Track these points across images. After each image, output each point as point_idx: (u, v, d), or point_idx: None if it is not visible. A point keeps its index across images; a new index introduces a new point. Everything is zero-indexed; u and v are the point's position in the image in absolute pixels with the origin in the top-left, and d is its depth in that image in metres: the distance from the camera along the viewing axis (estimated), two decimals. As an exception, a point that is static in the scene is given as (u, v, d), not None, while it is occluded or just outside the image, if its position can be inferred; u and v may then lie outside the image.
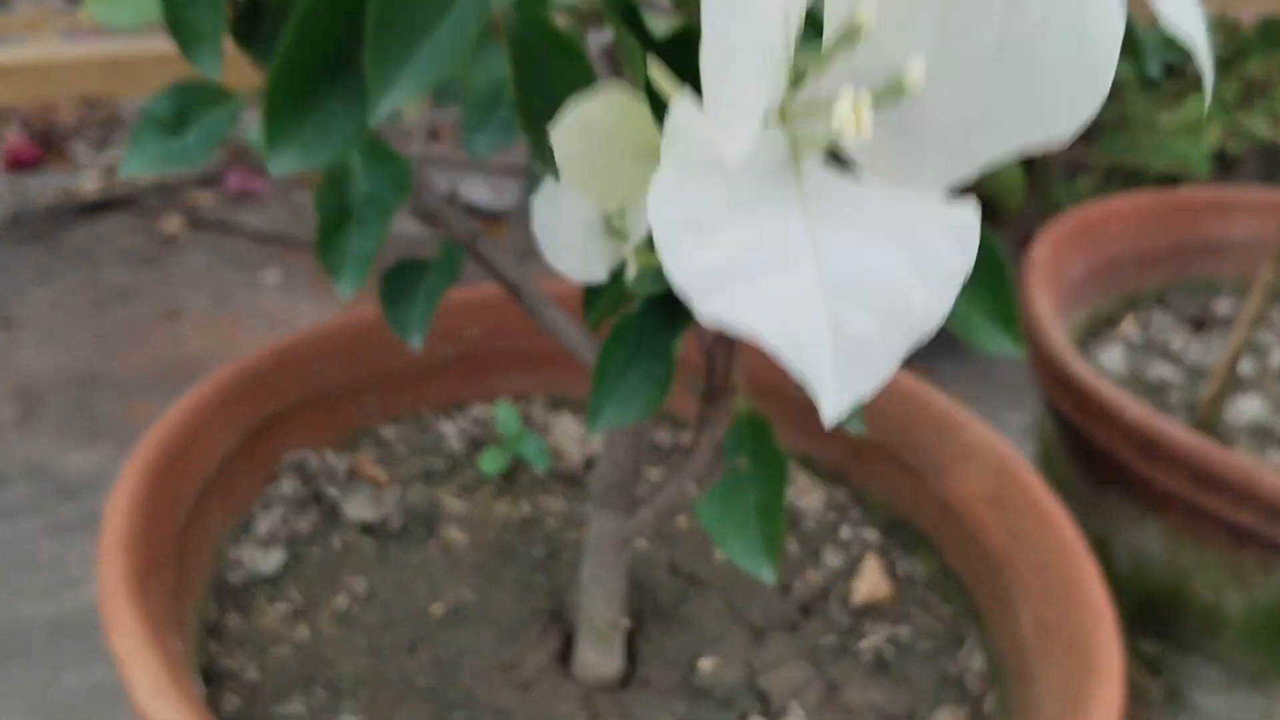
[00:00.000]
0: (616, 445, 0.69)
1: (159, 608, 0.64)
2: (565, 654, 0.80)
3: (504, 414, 0.91)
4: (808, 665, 0.75)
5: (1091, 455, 0.95)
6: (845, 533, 0.88)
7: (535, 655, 0.79)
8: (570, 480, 0.91)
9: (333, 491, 0.83)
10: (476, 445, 0.92)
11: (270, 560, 0.78)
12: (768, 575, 0.58)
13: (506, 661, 0.77)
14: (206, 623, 0.72)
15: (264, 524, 0.80)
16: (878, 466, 0.88)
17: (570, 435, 0.92)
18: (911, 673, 0.76)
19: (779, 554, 0.58)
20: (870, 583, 0.81)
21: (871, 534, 0.88)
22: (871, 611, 0.81)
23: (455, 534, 0.83)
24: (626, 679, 0.79)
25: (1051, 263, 1.05)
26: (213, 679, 0.69)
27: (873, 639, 0.78)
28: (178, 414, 0.75)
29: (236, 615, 0.74)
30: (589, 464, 0.92)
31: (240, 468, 0.80)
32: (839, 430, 0.86)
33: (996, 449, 0.81)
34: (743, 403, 0.62)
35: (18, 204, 1.83)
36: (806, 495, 0.91)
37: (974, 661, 0.76)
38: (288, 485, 0.83)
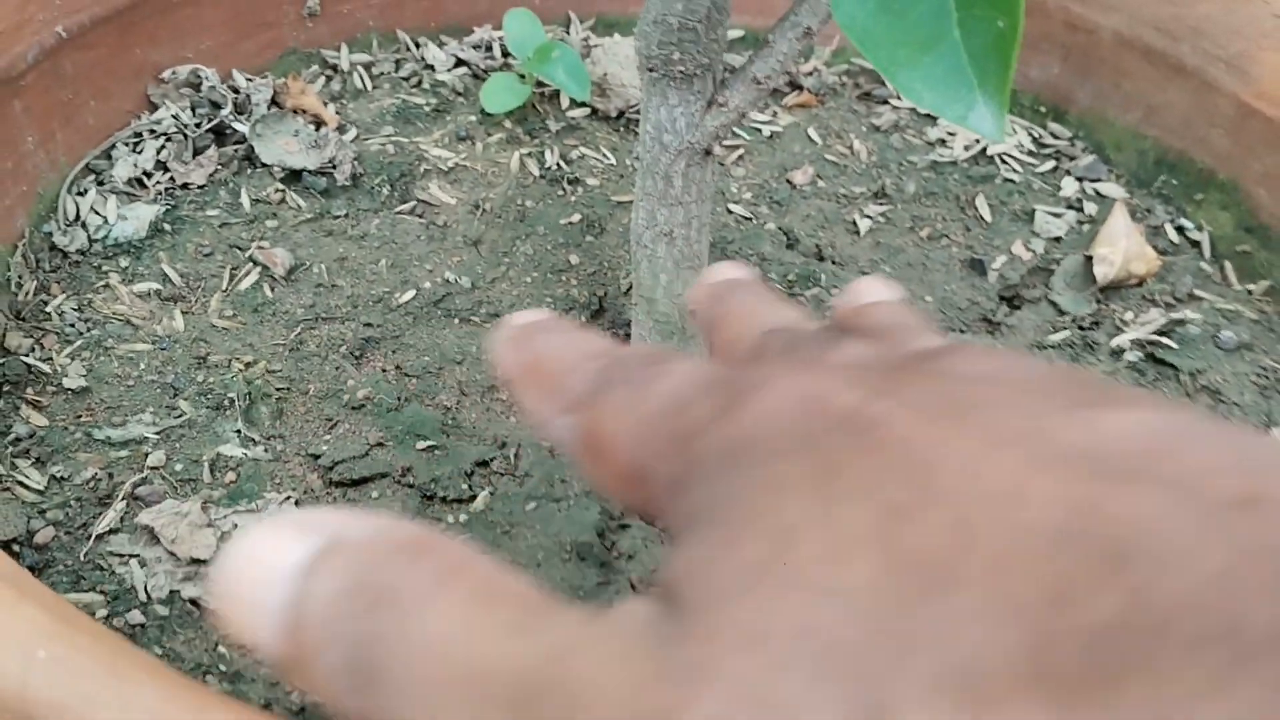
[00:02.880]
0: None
1: None
2: (615, 367, 0.51)
3: (519, 24, 0.60)
4: (1027, 370, 0.45)
5: None
6: (1069, 187, 0.57)
7: (565, 365, 0.49)
8: (623, 124, 0.61)
9: (242, 126, 0.54)
10: (480, 80, 0.62)
11: (134, 219, 0.49)
12: (985, 123, 0.29)
13: (517, 374, 0.47)
14: (13, 304, 0.44)
15: (127, 166, 0.51)
16: (1123, 78, 0.56)
17: (624, 60, 0.62)
18: (1217, 375, 0.46)
19: (1008, 81, 0.29)
20: (1124, 250, 0.50)
21: (1114, 186, 0.57)
22: (1126, 293, 0.50)
23: (441, 193, 0.54)
24: (716, 401, 0.49)
25: None
26: (8, 386, 0.41)
27: (1137, 331, 0.47)
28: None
29: (65, 295, 0.46)
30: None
31: (85, 76, 0.51)
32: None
33: (1348, 14, 0.49)
34: None
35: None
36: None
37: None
38: (171, 113, 0.53)
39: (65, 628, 0.23)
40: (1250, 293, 0.51)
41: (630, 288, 0.47)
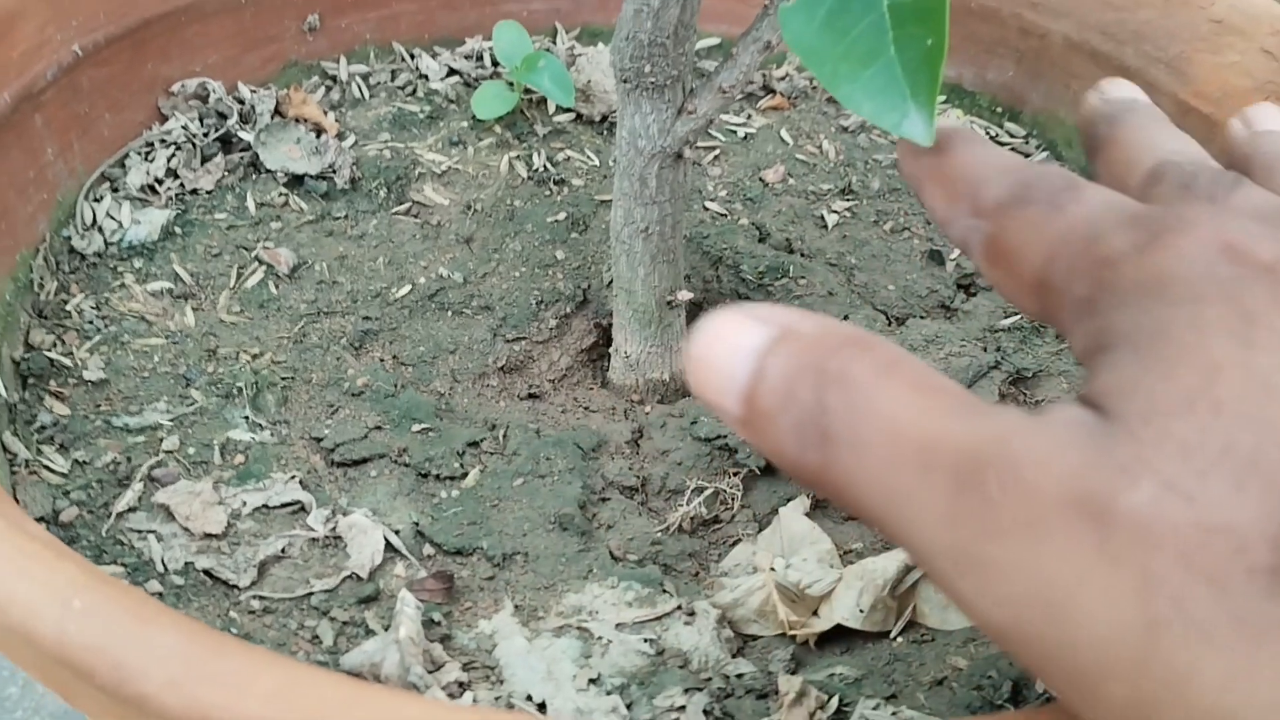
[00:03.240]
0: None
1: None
2: (597, 355, 0.54)
3: (507, 35, 0.63)
4: (979, 351, 0.48)
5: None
6: (1021, 181, 0.59)
7: (550, 354, 0.52)
8: (606, 127, 0.63)
9: (247, 134, 0.56)
10: (471, 88, 0.65)
11: (146, 223, 0.52)
12: (917, 130, 0.31)
13: (506, 362, 0.50)
14: (35, 304, 0.46)
15: (140, 174, 0.54)
16: (1073, 79, 0.59)
17: (607, 68, 0.64)
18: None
19: (935, 92, 0.31)
20: (1069, 239, 0.53)
21: (1063, 180, 0.59)
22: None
23: (435, 195, 0.56)
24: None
25: None
26: (32, 379, 0.43)
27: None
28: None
29: (84, 295, 0.48)
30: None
31: (100, 91, 0.53)
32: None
33: (1270, 15, 0.52)
34: None
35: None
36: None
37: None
38: (181, 124, 0.56)
39: (97, 582, 0.26)
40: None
41: (612, 280, 0.50)
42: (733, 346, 0.22)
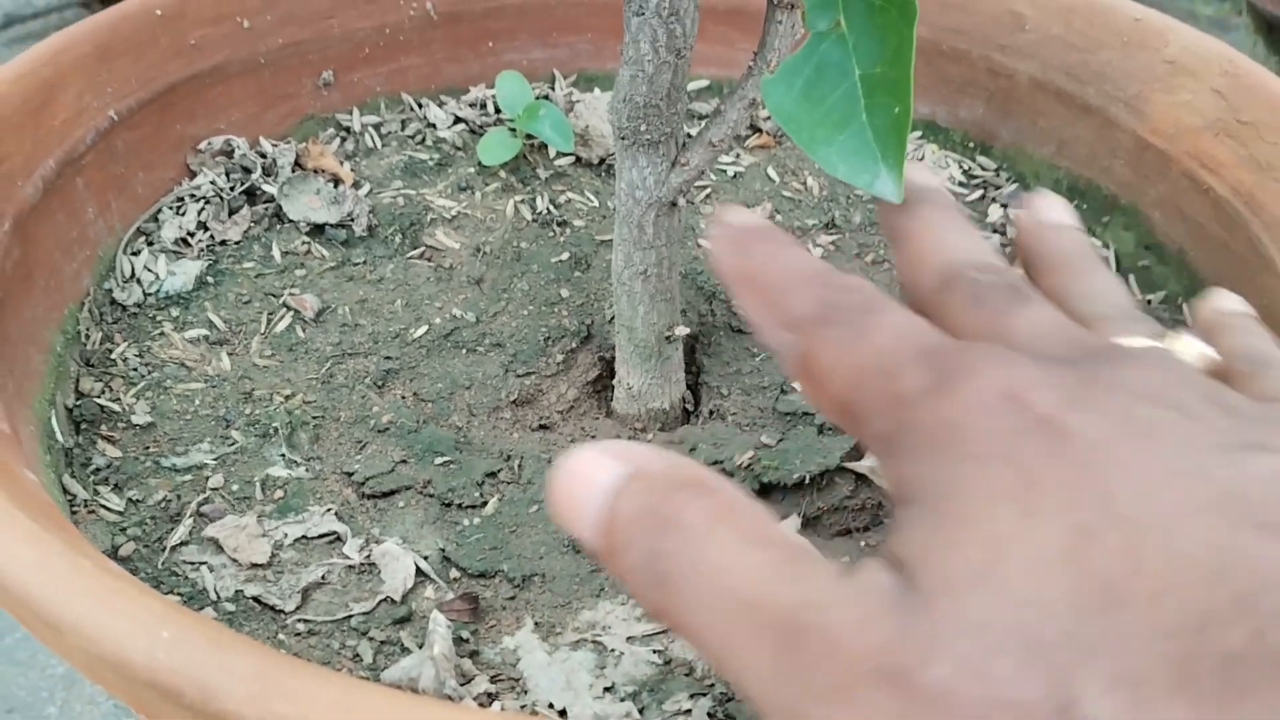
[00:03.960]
0: (642, 38, 0.45)
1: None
2: (602, 387, 0.58)
3: (509, 85, 0.67)
4: (955, 377, 0.52)
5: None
6: (994, 213, 0.63)
7: (558, 387, 0.56)
8: (604, 170, 0.67)
9: (270, 187, 0.60)
10: (477, 135, 0.68)
11: (181, 274, 0.55)
12: (888, 189, 0.35)
13: (518, 396, 0.54)
14: (83, 353, 0.50)
15: (173, 228, 0.57)
16: (1039, 116, 0.63)
17: (603, 113, 0.68)
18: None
19: (904, 154, 0.34)
20: (1037, 268, 0.57)
21: (1032, 211, 0.63)
22: (1042, 305, 0.56)
23: (446, 239, 0.60)
24: (690, 413, 0.56)
25: None
26: (85, 425, 0.47)
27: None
28: (22, 62, 0.52)
29: (127, 344, 0.52)
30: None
31: (134, 152, 0.57)
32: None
33: (1219, 57, 0.55)
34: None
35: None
36: (935, 172, 0.66)
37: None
38: (208, 179, 0.60)
39: (180, 614, 0.30)
40: (1150, 302, 0.58)
41: (613, 317, 0.54)
42: (589, 484, 0.23)
